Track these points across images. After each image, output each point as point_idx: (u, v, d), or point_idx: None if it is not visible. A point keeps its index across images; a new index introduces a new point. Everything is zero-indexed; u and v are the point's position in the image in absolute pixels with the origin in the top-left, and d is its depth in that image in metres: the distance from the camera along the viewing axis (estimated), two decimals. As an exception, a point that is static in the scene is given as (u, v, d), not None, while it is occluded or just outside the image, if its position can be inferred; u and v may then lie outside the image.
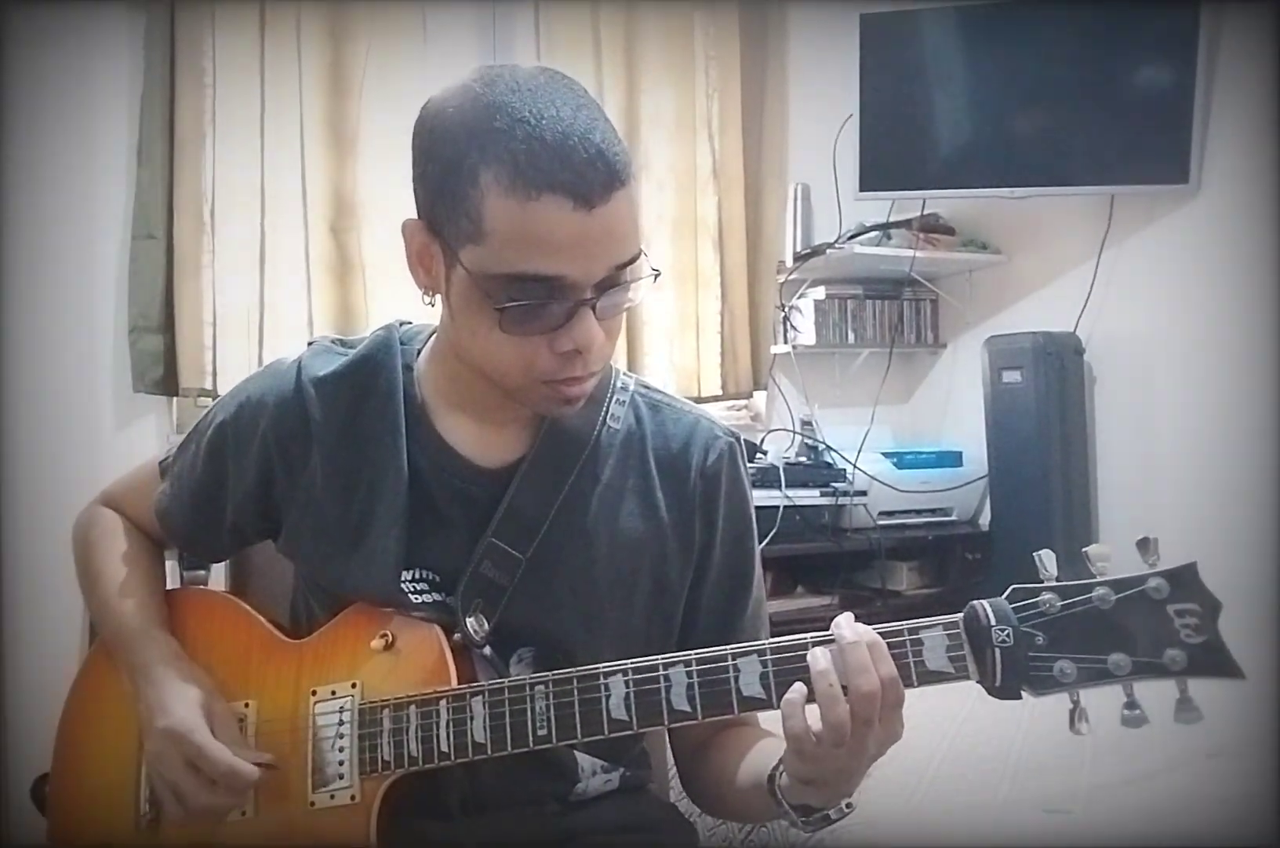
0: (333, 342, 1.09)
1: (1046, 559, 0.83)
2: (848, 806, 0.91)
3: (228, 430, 1.08)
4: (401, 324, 1.10)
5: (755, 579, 1.12)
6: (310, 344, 1.10)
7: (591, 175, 0.85)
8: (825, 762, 0.85)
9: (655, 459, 1.07)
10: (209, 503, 1.11)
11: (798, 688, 0.85)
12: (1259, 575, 2.30)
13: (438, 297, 0.96)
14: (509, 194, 0.85)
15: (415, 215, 0.94)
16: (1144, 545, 0.81)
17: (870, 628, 0.86)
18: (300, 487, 1.05)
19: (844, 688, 0.83)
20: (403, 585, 1.02)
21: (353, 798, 0.99)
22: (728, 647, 0.90)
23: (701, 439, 1.08)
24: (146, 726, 1.03)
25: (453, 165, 0.87)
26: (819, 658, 0.84)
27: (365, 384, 1.04)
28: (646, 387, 1.11)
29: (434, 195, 0.91)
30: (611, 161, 0.86)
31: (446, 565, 1.03)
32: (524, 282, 0.87)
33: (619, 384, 1.08)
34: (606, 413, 1.06)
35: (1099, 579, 0.82)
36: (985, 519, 3.01)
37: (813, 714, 0.84)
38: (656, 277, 0.95)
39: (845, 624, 0.86)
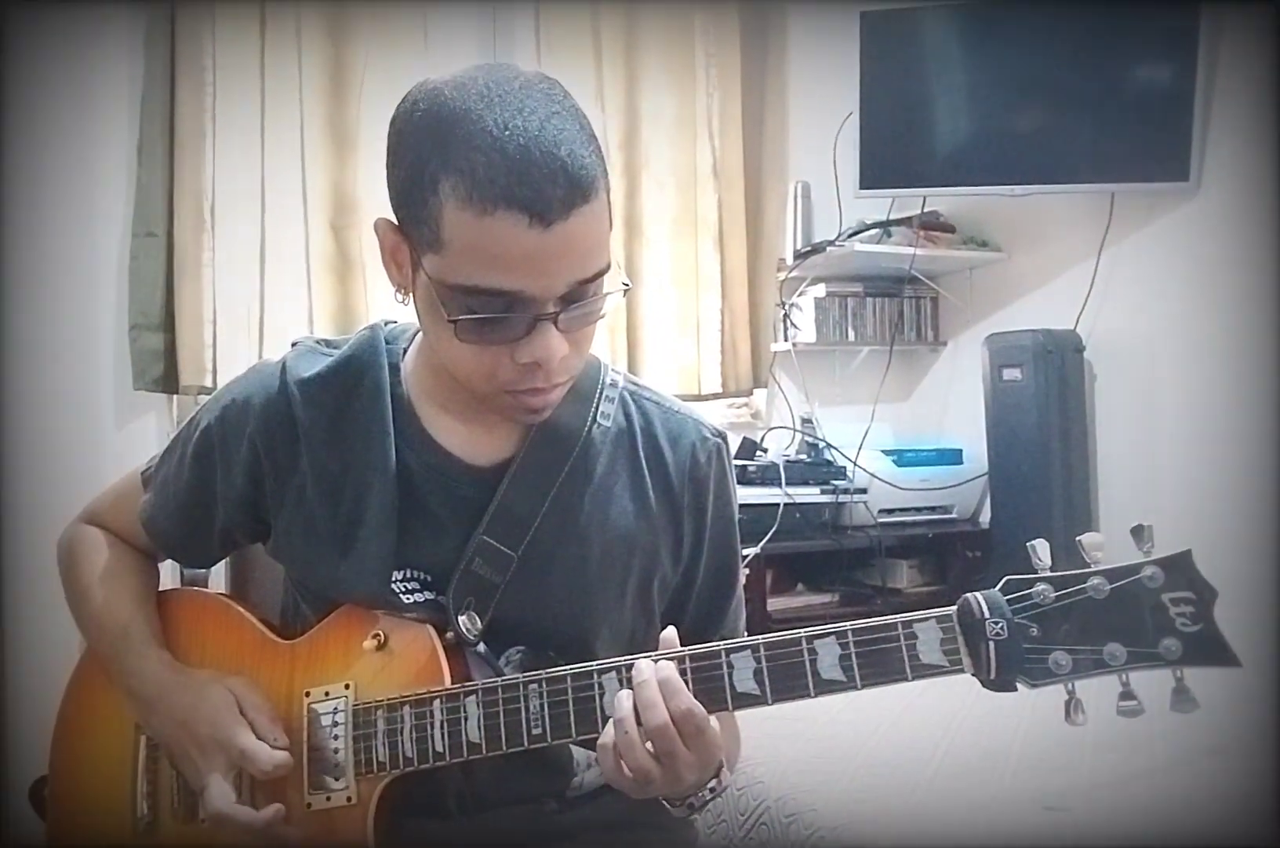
0: (317, 342, 1.09)
1: (1040, 549, 0.83)
2: (711, 790, 0.92)
3: (213, 434, 1.07)
4: (387, 323, 1.10)
5: (739, 578, 1.14)
6: (294, 345, 1.10)
7: (550, 192, 0.83)
8: (646, 793, 0.88)
9: (646, 458, 1.07)
10: (198, 508, 1.10)
11: (607, 732, 0.87)
12: (1260, 575, 2.30)
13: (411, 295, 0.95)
14: (465, 207, 0.84)
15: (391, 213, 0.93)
16: (1138, 533, 0.80)
17: (669, 664, 0.88)
18: (289, 489, 1.05)
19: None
20: (393, 586, 1.02)
21: (349, 799, 0.99)
22: (721, 643, 0.90)
23: (692, 440, 1.09)
24: (181, 738, 1.02)
25: (416, 171, 0.86)
26: (621, 704, 0.87)
27: (351, 384, 1.04)
28: (635, 384, 1.11)
29: (399, 198, 0.90)
30: (575, 176, 0.84)
31: (437, 565, 1.03)
32: (480, 294, 0.86)
33: (608, 381, 1.08)
34: (596, 410, 1.06)
35: (1093, 569, 0.81)
36: (985, 517, 3.01)
37: None
38: (626, 291, 0.94)
39: (642, 666, 0.88)
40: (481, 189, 0.83)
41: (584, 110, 0.91)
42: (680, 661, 0.89)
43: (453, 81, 0.88)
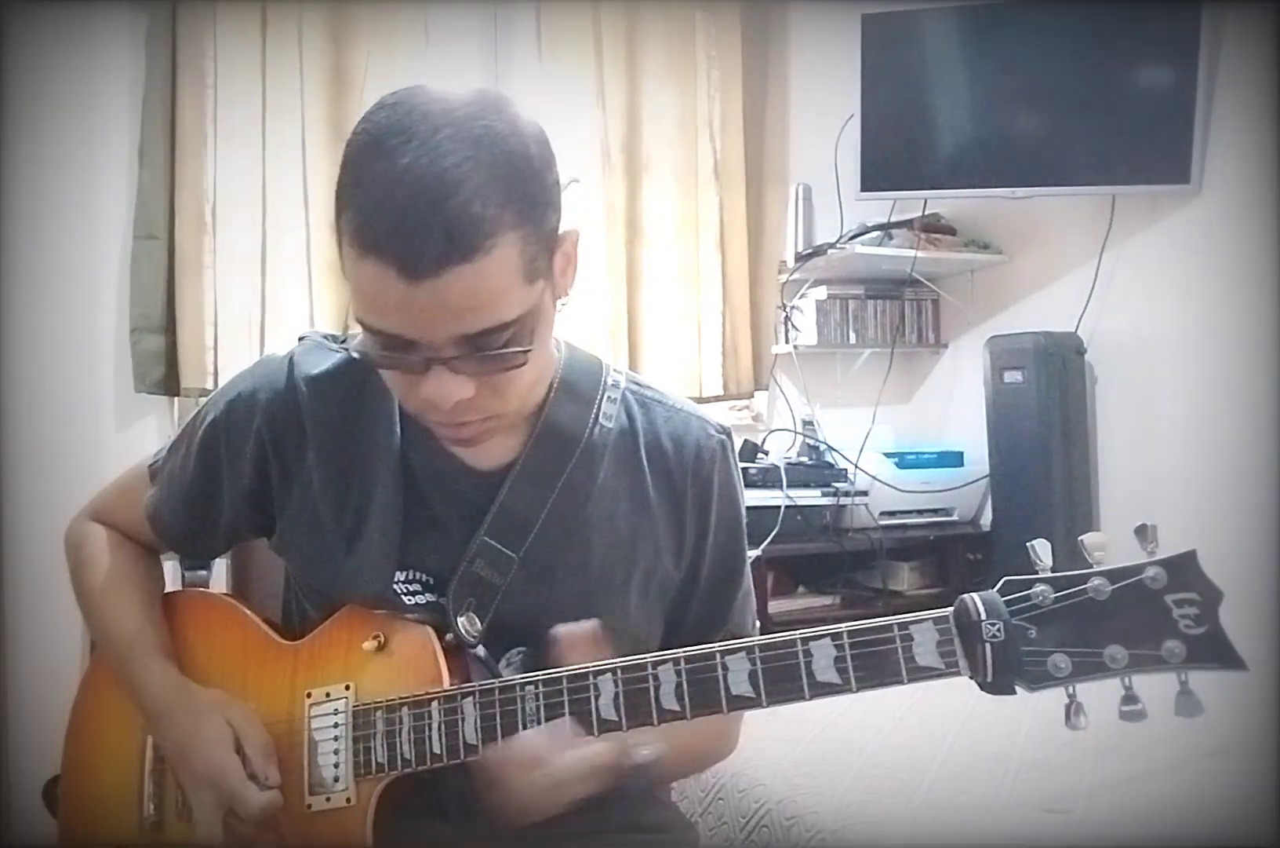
0: (325, 337, 1.09)
1: (1041, 549, 0.81)
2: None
3: (220, 428, 1.07)
4: None
5: (745, 572, 1.13)
6: (301, 339, 1.10)
7: (423, 248, 0.80)
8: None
9: (648, 458, 1.07)
10: (203, 502, 1.10)
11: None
12: (1262, 576, 2.29)
13: None
14: (350, 245, 0.84)
15: None
16: (1142, 533, 0.78)
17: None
18: (295, 484, 1.05)
19: None
20: (395, 587, 1.02)
21: (348, 801, 0.99)
22: (716, 645, 0.89)
23: (694, 439, 1.08)
24: (179, 764, 1.03)
25: (339, 191, 0.87)
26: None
27: (359, 383, 1.04)
28: (638, 383, 1.11)
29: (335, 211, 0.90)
30: (456, 234, 0.80)
31: (439, 566, 1.03)
32: (370, 330, 0.87)
33: (610, 381, 1.08)
34: (598, 411, 1.05)
35: (1094, 569, 0.80)
36: (986, 519, 3.00)
37: None
38: (527, 352, 0.89)
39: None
40: (362, 233, 0.83)
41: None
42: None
43: (392, 103, 0.87)
